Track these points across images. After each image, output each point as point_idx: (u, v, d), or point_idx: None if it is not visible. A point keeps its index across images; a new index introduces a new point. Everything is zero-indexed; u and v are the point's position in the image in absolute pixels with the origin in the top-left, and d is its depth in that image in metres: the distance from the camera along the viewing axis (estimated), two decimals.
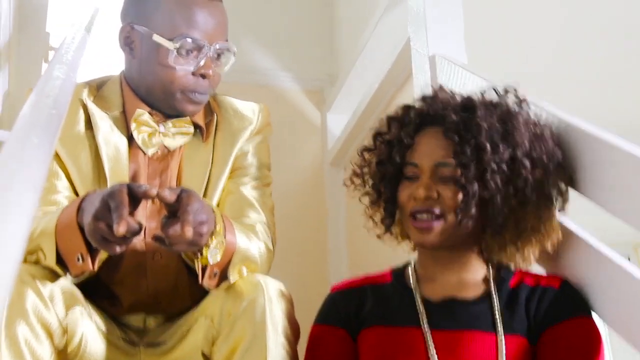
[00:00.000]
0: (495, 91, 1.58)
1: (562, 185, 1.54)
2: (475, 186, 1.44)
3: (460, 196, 1.46)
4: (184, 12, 1.73)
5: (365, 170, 1.64)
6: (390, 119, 1.63)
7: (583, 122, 1.56)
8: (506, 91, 1.58)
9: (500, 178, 1.45)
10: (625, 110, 4.62)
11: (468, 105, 1.53)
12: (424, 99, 1.61)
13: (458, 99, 1.56)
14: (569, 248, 1.56)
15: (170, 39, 1.72)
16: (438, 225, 1.48)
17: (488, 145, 1.45)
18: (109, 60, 2.08)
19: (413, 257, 1.65)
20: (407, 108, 1.61)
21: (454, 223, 1.48)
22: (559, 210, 1.54)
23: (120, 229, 1.35)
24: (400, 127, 1.58)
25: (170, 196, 1.42)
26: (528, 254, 1.52)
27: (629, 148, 1.40)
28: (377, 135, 1.64)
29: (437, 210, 1.48)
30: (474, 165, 1.45)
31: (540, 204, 1.49)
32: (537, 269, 1.61)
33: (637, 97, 4.57)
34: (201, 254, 1.52)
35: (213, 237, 1.51)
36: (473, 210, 1.45)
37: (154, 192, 1.41)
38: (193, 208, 1.41)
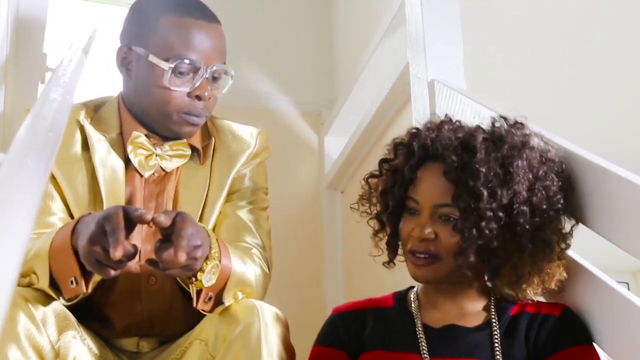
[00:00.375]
0: (500, 124, 1.55)
1: (565, 228, 1.53)
2: (473, 232, 1.43)
3: (457, 239, 1.45)
4: (180, 33, 1.73)
5: (374, 194, 1.63)
6: (397, 145, 1.61)
7: (581, 149, 1.56)
8: (512, 124, 1.55)
9: (498, 225, 1.43)
10: (625, 139, 4.63)
11: (469, 146, 1.49)
12: (428, 129, 1.57)
13: (460, 135, 1.52)
14: (570, 276, 1.54)
15: (166, 60, 1.72)
16: (433, 266, 1.48)
17: (485, 192, 1.42)
18: (108, 82, 2.07)
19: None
20: (414, 134, 1.59)
21: (450, 265, 1.47)
22: (563, 250, 1.52)
23: (117, 253, 1.34)
24: (406, 154, 1.56)
25: (165, 221, 1.41)
26: (529, 292, 1.51)
27: (627, 175, 1.40)
28: (383, 161, 1.63)
29: (433, 252, 1.48)
30: (471, 210, 1.44)
31: (539, 249, 1.47)
32: (539, 297, 1.60)
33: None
34: (196, 278, 1.51)
35: (208, 261, 1.50)
36: (472, 258, 1.44)
37: (149, 216, 1.40)
38: (187, 233, 1.41)
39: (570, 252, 1.57)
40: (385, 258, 1.63)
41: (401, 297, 1.63)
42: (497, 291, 1.54)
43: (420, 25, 2.38)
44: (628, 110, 4.44)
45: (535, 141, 1.54)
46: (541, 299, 1.60)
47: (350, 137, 3.23)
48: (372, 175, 1.64)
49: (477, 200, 1.43)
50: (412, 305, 1.58)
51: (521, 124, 1.55)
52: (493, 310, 1.52)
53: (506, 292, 1.53)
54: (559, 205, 1.49)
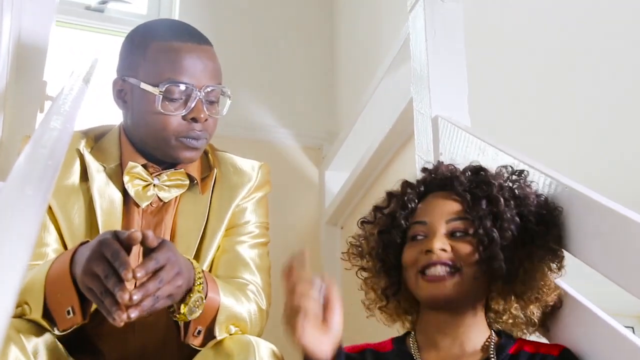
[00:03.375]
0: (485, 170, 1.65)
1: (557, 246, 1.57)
2: (496, 233, 1.49)
3: (472, 250, 1.50)
4: (169, 57, 1.72)
5: (364, 242, 1.66)
6: (390, 195, 1.67)
7: (586, 188, 1.56)
8: (505, 167, 1.66)
9: (516, 227, 1.51)
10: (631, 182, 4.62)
11: (476, 169, 1.62)
12: (424, 170, 1.68)
13: (461, 167, 1.64)
14: (572, 317, 1.55)
15: (156, 85, 1.70)
16: (453, 279, 1.50)
17: (501, 198, 1.52)
18: (110, 112, 2.06)
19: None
20: (406, 184, 1.67)
21: (471, 276, 1.50)
22: (557, 269, 1.57)
23: (129, 275, 1.31)
24: (402, 198, 1.63)
25: (152, 239, 1.38)
26: (531, 313, 1.53)
27: (635, 217, 1.39)
28: (376, 209, 1.68)
29: (451, 263, 1.51)
30: (489, 217, 1.51)
31: (545, 258, 1.53)
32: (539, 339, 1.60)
33: None
34: (179, 311, 1.48)
35: (192, 293, 1.48)
36: (501, 255, 1.49)
37: (138, 234, 1.37)
38: (160, 256, 1.37)
39: (572, 292, 1.59)
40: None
41: (400, 341, 1.62)
42: (498, 317, 1.55)
43: (425, 61, 2.38)
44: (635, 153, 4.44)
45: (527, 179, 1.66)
46: (544, 340, 1.60)
47: (352, 172, 3.22)
48: (365, 221, 1.69)
49: (494, 207, 1.52)
50: (412, 347, 1.58)
51: (511, 167, 1.67)
52: (492, 348, 1.52)
53: (507, 318, 1.53)
54: (556, 221, 1.58)
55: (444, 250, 1.51)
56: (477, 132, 2.04)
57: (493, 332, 1.55)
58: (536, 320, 1.55)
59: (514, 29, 3.65)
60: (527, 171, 1.65)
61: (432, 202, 1.59)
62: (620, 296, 1.53)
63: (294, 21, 4.09)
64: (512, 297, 1.52)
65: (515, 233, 1.51)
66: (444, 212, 1.55)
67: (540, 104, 4.09)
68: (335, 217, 3.44)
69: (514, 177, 1.63)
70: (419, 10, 2.47)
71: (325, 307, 1.36)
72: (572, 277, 1.59)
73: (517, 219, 1.52)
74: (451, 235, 1.53)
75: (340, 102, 3.86)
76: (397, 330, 1.68)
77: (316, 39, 4.08)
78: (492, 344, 1.53)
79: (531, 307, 1.52)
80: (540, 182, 1.65)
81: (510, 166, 1.66)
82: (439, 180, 1.61)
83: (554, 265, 1.55)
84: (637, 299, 1.39)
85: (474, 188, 1.55)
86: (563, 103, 4.10)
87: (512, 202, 1.53)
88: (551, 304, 1.56)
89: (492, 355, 1.50)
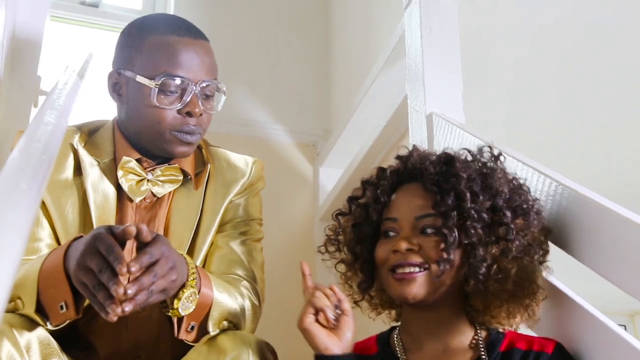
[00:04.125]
0: (468, 151, 1.60)
1: (542, 237, 1.53)
2: (456, 233, 1.44)
3: (442, 245, 1.45)
4: (165, 51, 1.72)
5: (340, 237, 1.64)
6: (365, 183, 1.63)
7: (580, 185, 1.56)
8: (481, 150, 1.60)
9: (482, 225, 1.45)
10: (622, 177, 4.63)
11: (446, 159, 1.54)
12: (399, 157, 1.62)
13: (434, 155, 1.58)
14: (565, 313, 1.54)
15: (152, 78, 1.70)
16: (422, 278, 1.47)
17: (468, 194, 1.46)
18: (104, 107, 2.06)
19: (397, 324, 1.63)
20: (381, 170, 1.62)
21: (439, 275, 1.45)
22: (540, 263, 1.51)
23: (124, 269, 1.30)
24: (375, 189, 1.59)
25: (146, 233, 1.37)
26: (513, 310, 1.48)
27: (628, 215, 1.39)
28: (351, 199, 1.64)
29: (418, 262, 1.47)
30: (455, 214, 1.45)
31: (522, 253, 1.47)
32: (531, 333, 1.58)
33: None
34: (172, 306, 1.48)
35: (185, 289, 1.47)
36: (452, 256, 1.44)
37: (133, 229, 1.36)
38: (154, 251, 1.37)
39: (565, 289, 1.57)
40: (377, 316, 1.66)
41: (384, 341, 1.60)
42: (480, 316, 1.51)
43: (420, 58, 2.38)
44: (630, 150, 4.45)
45: (505, 162, 1.60)
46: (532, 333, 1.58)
47: (346, 169, 3.22)
48: (340, 213, 1.66)
49: (460, 203, 1.46)
50: (397, 348, 1.55)
51: (490, 147, 1.60)
52: (482, 346, 1.49)
53: (489, 315, 1.49)
54: (538, 209, 1.52)
55: (410, 249, 1.47)
56: (471, 129, 2.04)
57: (480, 329, 1.52)
58: (520, 319, 1.49)
59: (509, 26, 3.65)
60: (505, 156, 1.60)
61: (403, 196, 1.54)
62: (614, 294, 1.52)
63: (289, 18, 4.09)
64: (490, 296, 1.47)
65: (481, 230, 1.45)
66: (413, 207, 1.51)
67: (535, 101, 4.10)
68: (329, 213, 3.41)
69: (491, 164, 1.57)
70: (415, 7, 2.47)
71: (339, 319, 1.46)
72: (571, 276, 1.58)
73: (484, 215, 1.45)
74: (422, 231, 1.49)
75: (334, 99, 3.86)
76: (382, 321, 1.66)
77: (311, 36, 4.08)
78: (481, 341, 1.50)
79: (512, 305, 1.47)
80: (533, 180, 1.64)
81: (490, 148, 1.60)
82: (410, 171, 1.56)
83: (534, 260, 1.49)
84: (630, 297, 1.39)
85: (442, 181, 1.49)
86: (558, 100, 4.11)
87: (481, 196, 1.47)
88: (536, 303, 1.49)
89: (482, 354, 1.47)
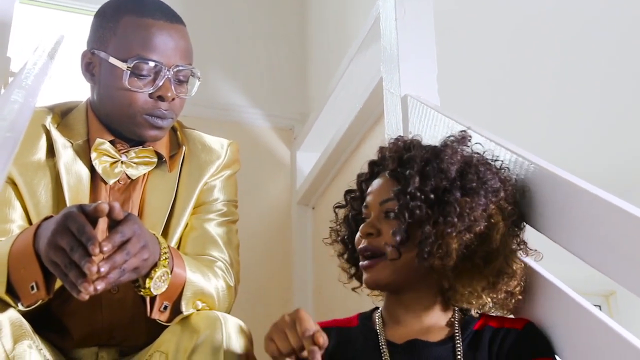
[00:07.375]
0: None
1: (505, 213, 1.53)
2: (406, 214, 1.48)
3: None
4: (140, 34, 1.71)
5: (340, 227, 1.70)
6: (359, 177, 1.70)
7: (552, 165, 1.56)
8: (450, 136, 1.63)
9: (427, 205, 1.48)
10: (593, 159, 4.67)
11: (405, 145, 1.60)
12: (380, 149, 1.67)
13: (401, 144, 1.62)
14: (539, 293, 1.55)
15: (124, 61, 1.69)
16: (378, 265, 1.52)
17: (417, 177, 1.50)
18: (78, 88, 2.04)
19: (381, 303, 1.65)
20: (371, 165, 1.68)
21: (392, 256, 1.49)
22: (503, 242, 1.51)
23: (96, 249, 1.29)
24: (359, 186, 1.67)
25: (118, 211, 1.36)
26: (477, 288, 1.49)
27: (599, 193, 1.40)
28: (347, 193, 1.71)
29: (374, 246, 1.52)
30: (406, 196, 1.49)
31: (469, 231, 1.48)
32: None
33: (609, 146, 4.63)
34: (144, 285, 1.47)
35: (157, 268, 1.47)
36: (398, 237, 1.47)
37: (105, 206, 1.35)
38: (126, 229, 1.36)
39: (538, 268, 1.58)
40: (356, 284, 1.67)
41: (365, 317, 1.63)
42: (451, 297, 1.52)
43: (395, 41, 2.37)
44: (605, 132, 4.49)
45: (468, 142, 1.63)
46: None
47: (323, 153, 3.22)
48: (338, 206, 1.72)
49: (408, 184, 1.50)
50: (377, 323, 1.58)
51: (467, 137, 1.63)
52: (457, 325, 1.53)
53: (458, 295, 1.51)
54: (493, 186, 1.52)
55: (369, 233, 1.53)
56: (446, 111, 2.04)
57: (457, 310, 1.55)
58: (487, 299, 1.50)
59: (484, 9, 3.65)
60: (470, 136, 1.63)
61: (374, 185, 1.61)
62: (588, 275, 1.53)
63: (264, 1, 4.06)
64: (452, 274, 1.49)
65: (425, 210, 1.47)
66: (379, 194, 1.57)
67: (510, 85, 4.12)
68: (306, 197, 3.44)
69: (454, 145, 1.59)
70: None
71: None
72: (546, 257, 1.58)
73: (430, 195, 1.48)
74: (386, 216, 1.53)
75: (311, 83, 3.85)
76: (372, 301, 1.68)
77: (287, 19, 4.06)
78: (457, 321, 1.53)
79: (476, 283, 1.49)
80: (506, 160, 1.65)
81: (463, 134, 1.63)
82: (382, 161, 1.63)
83: (492, 239, 1.49)
84: (605, 275, 1.39)
85: (400, 167, 1.55)
86: (533, 84, 4.13)
87: (432, 178, 1.49)
88: (504, 282, 1.50)
89: (456, 332, 1.51)
